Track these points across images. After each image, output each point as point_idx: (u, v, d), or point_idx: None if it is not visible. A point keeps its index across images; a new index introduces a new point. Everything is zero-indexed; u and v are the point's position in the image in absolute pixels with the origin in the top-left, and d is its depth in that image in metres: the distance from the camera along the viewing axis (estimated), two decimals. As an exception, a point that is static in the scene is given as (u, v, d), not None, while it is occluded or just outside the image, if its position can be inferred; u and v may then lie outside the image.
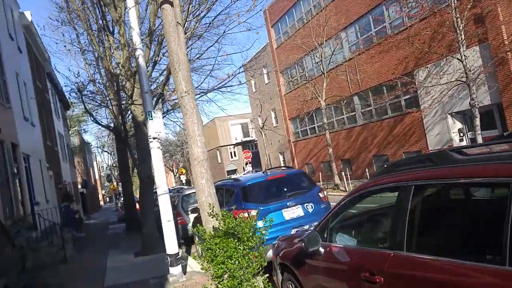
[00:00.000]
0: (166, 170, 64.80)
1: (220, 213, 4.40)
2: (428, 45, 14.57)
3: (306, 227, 6.41)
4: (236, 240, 3.81)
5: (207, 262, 3.95)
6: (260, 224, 4.57)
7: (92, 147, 43.40)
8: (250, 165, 30.59)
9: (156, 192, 21.17)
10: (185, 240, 11.43)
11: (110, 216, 34.89)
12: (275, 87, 30.32)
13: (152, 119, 6.92)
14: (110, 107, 15.11)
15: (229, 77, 13.45)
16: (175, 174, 58.36)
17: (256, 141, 46.24)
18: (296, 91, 27.16)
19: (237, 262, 3.66)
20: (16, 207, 10.27)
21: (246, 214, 6.17)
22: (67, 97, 19.17)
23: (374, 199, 3.57)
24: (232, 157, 48.38)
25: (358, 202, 3.77)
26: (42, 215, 11.35)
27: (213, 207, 4.49)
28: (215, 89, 14.03)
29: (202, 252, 9.40)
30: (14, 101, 12.32)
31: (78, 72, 13.77)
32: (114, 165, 43.56)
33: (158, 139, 7.10)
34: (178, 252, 7.12)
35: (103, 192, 72.47)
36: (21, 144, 12.17)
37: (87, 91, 15.14)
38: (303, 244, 3.85)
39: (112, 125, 16.42)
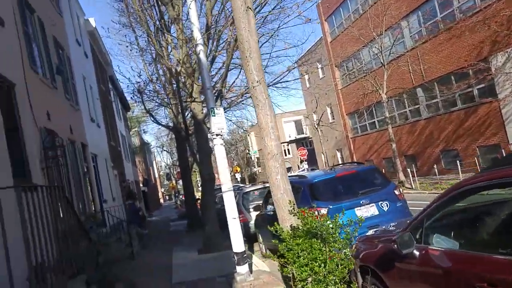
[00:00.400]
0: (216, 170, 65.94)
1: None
2: (506, 27, 13.20)
3: (383, 227, 5.88)
4: (320, 241, 3.45)
5: (289, 264, 3.62)
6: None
7: (151, 147, 45.12)
8: (305, 162, 30.03)
9: (218, 189, 21.30)
10: (247, 238, 11.25)
11: (170, 213, 36.04)
12: (330, 81, 29.47)
13: (214, 115, 6.76)
14: (170, 106, 15.37)
15: (284, 73, 13.13)
16: (230, 172, 59.29)
17: (311, 138, 45.49)
18: (354, 84, 26.18)
19: (323, 265, 3.30)
20: (87, 204, 10.68)
21: (316, 213, 5.84)
22: (129, 98, 19.87)
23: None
24: (286, 155, 47.97)
25: (461, 200, 3.26)
26: (110, 212, 11.75)
27: (294, 204, 4.16)
28: (270, 85, 13.75)
29: (265, 251, 9.18)
30: (82, 103, 12.87)
31: (140, 72, 14.15)
32: (173, 163, 44.97)
33: (221, 135, 6.93)
34: (245, 251, 6.90)
35: (162, 190, 75.42)
36: (89, 144, 12.69)
37: (147, 91, 15.57)
38: (395, 245, 3.46)
39: (171, 124, 16.72)
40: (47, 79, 8.68)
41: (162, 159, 58.39)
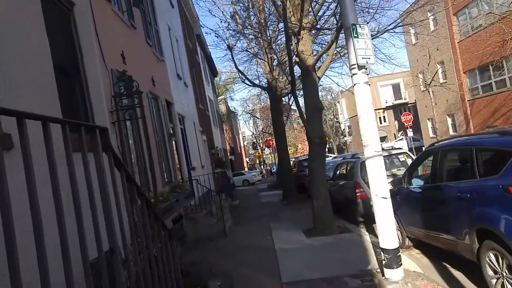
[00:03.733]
0: (303, 137, 63.48)
1: None
2: None
3: None
4: None
5: None
6: None
7: (238, 114, 44.08)
8: (410, 130, 26.05)
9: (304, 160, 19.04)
10: (366, 218, 8.83)
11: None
12: (444, 34, 24.73)
13: (357, 37, 4.28)
14: (265, 60, 13.13)
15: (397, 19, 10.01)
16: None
17: (410, 104, 40.50)
18: (476, 36, 21.47)
19: None
20: (173, 171, 9.10)
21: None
22: (216, 58, 18.07)
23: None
24: (381, 123, 43.63)
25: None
26: (199, 181, 10.12)
27: None
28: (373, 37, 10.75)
29: (405, 240, 6.67)
30: (167, 56, 11.25)
31: (228, 24, 12.11)
32: (262, 130, 43.50)
33: (366, 68, 4.45)
34: (399, 247, 4.48)
35: (247, 159, 75.54)
36: (176, 104, 11.11)
37: (238, 47, 13.50)
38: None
39: (264, 84, 14.55)
40: (122, 12, 6.90)
41: (248, 128, 57.46)
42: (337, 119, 52.34)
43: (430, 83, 23.94)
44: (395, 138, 39.74)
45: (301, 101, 9.45)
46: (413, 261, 5.82)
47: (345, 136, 43.10)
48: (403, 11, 14.94)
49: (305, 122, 8.44)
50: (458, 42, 24.21)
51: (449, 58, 25.43)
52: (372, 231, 8.34)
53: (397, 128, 42.09)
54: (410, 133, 26.45)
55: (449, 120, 27.07)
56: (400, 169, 9.07)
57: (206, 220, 9.43)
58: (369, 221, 8.99)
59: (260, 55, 13.53)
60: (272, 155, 42.05)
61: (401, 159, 9.07)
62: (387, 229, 4.38)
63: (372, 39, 12.54)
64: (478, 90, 23.52)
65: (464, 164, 4.56)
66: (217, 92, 33.10)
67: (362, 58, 4.36)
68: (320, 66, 9.00)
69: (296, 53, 8.39)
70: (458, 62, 24.49)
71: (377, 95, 42.15)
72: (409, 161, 8.92)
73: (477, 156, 4.18)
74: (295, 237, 8.20)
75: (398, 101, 42.04)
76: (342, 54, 11.71)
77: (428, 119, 30.11)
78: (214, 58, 29.05)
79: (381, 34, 11.66)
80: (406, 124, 26.00)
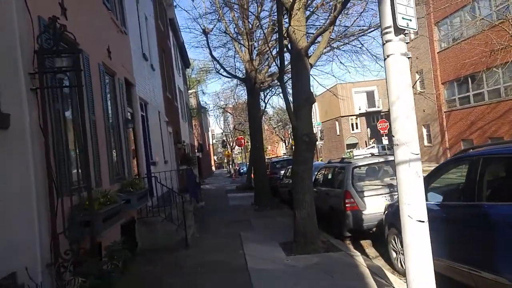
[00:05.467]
0: (277, 139, 62.32)
1: None
2: None
3: None
4: None
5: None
6: None
7: (209, 109, 42.28)
8: (386, 137, 25.39)
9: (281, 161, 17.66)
10: (354, 232, 7.58)
11: (224, 182, 33.32)
12: (424, 43, 24.24)
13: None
14: (245, 46, 11.66)
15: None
16: (286, 144, 55.27)
17: (383, 112, 40.27)
18: (456, 47, 21.02)
19: None
20: (128, 166, 7.47)
21: None
22: (190, 47, 16.45)
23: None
24: (353, 129, 43.21)
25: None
26: (160, 179, 8.51)
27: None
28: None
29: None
30: (132, 30, 9.57)
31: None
32: (234, 128, 41.78)
33: (405, 34, 3.11)
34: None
35: (215, 158, 73.57)
36: (138, 86, 9.45)
37: (215, 32, 12.01)
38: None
39: (243, 74, 13.10)
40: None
41: (219, 124, 55.63)
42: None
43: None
44: (367, 146, 39.31)
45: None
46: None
47: (317, 140, 42.42)
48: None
49: (292, 117, 7.05)
50: (438, 52, 23.78)
51: (428, 69, 24.99)
52: (362, 250, 7.08)
53: (369, 136, 41.76)
54: (385, 141, 25.82)
55: (425, 131, 26.66)
56: (393, 178, 7.88)
57: (164, 226, 7.84)
58: (357, 237, 7.76)
59: (240, 41, 12.09)
60: (243, 154, 40.58)
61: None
62: (421, 267, 3.04)
63: (353, 40, 11.54)
64: (456, 102, 23.14)
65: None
66: (188, 84, 31.28)
67: (403, 18, 3.02)
68: (311, 55, 7.69)
69: (286, 33, 7.00)
70: (437, 72, 24.07)
71: (351, 102, 41.68)
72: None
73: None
74: (272, 254, 6.79)
75: (372, 109, 41.74)
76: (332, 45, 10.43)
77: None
78: (188, 49, 27.21)
79: (361, 36, 10.53)
80: (382, 132, 25.34)
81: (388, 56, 3.13)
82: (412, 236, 3.06)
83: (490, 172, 3.75)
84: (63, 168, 4.13)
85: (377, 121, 37.98)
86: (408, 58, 3.13)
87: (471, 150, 4.29)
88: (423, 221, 3.05)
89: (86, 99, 5.34)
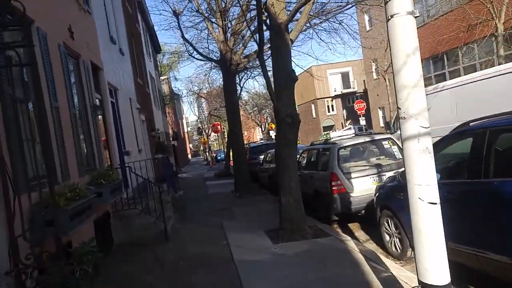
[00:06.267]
0: (253, 124, 61.77)
1: None
2: None
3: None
4: None
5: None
6: None
7: (183, 95, 41.25)
8: (363, 118, 25.35)
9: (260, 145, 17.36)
10: (341, 216, 7.32)
11: (201, 169, 32.70)
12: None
13: None
14: (219, 25, 11.05)
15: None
16: (263, 129, 54.95)
17: (359, 93, 40.40)
18: (433, 24, 21.01)
19: None
20: (99, 156, 6.89)
21: None
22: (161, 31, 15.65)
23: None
24: (329, 111, 43.23)
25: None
26: (134, 169, 7.96)
27: None
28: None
29: (398, 247, 5.06)
30: (97, 10, 8.82)
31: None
32: (210, 114, 40.92)
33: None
34: (450, 283, 2.83)
35: (190, 146, 72.56)
36: (106, 71, 8.77)
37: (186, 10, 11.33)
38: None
39: (217, 57, 12.52)
40: None
41: (193, 111, 54.61)
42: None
43: (387, 70, 23.25)
44: (343, 127, 39.43)
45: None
46: (408, 270, 4.31)
47: (300, 121, 42.24)
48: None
49: (273, 96, 6.63)
50: (418, 28, 23.75)
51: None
52: (352, 234, 6.82)
53: (345, 117, 41.92)
54: (362, 121, 25.81)
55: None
56: (380, 158, 7.63)
57: (141, 218, 7.35)
58: (345, 220, 7.51)
59: (213, 21, 11.48)
60: (219, 141, 39.99)
61: (385, 146, 7.60)
62: (434, 254, 2.73)
63: (331, 18, 11.17)
64: (432, 80, 23.26)
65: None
66: (160, 70, 30.24)
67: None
68: (291, 31, 7.25)
69: (265, 7, 6.51)
70: (412, 51, 24.08)
71: (326, 84, 41.58)
72: (395, 149, 7.48)
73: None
74: (258, 243, 6.44)
75: (347, 90, 41.79)
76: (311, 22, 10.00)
77: (379, 108, 29.84)
78: (158, 31, 26.23)
79: (339, 13, 10.18)
80: (359, 112, 25.27)
81: (391, 16, 2.74)
82: (424, 221, 2.73)
83: (499, 146, 3.46)
84: (19, 162, 3.58)
85: (353, 102, 38.04)
86: (416, 17, 2.74)
87: (472, 122, 3.99)
88: (435, 203, 2.72)
89: (46, 83, 4.76)
